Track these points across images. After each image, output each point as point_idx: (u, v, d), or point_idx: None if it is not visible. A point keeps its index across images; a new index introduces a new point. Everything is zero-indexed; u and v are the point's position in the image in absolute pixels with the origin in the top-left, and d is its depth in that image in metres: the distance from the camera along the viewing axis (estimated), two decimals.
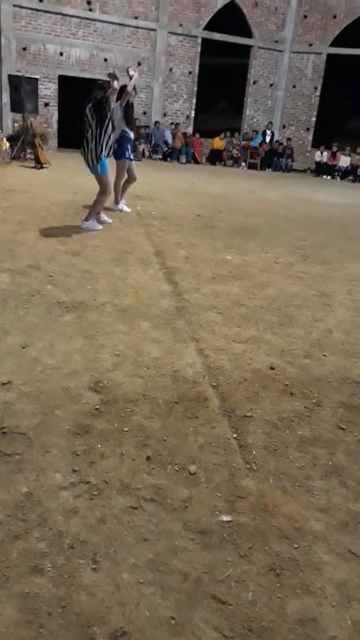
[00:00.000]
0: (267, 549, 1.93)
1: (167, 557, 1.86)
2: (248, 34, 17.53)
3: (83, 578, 1.74)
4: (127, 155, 7.05)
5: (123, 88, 6.59)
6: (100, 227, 6.34)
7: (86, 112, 5.87)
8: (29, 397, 2.71)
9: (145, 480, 2.22)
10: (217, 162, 17.43)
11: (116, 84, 5.93)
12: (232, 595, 1.73)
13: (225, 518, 2.05)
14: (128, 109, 6.90)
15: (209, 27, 16.72)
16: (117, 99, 6.52)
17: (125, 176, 7.35)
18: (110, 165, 6.36)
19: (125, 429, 2.53)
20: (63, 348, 3.27)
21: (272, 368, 3.29)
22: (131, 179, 7.46)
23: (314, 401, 2.96)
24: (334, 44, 17.55)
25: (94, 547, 1.87)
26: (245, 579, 1.80)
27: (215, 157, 17.51)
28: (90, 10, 15.01)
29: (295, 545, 1.95)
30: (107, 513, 2.02)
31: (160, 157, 16.59)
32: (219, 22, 16.63)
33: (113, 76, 6.00)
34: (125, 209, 7.53)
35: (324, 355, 3.55)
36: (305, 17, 17.73)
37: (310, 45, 17.90)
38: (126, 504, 2.08)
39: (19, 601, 1.64)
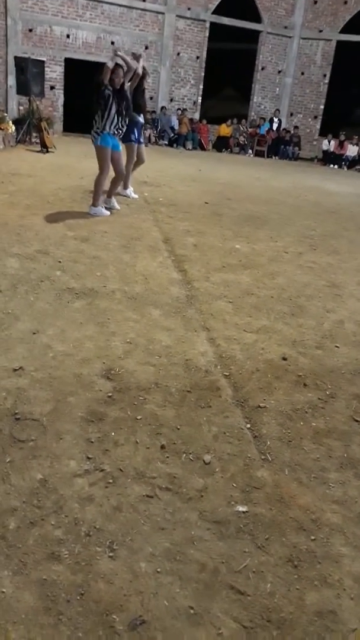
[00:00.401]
0: (284, 540, 1.92)
1: (184, 546, 1.85)
2: (257, 19, 17.30)
3: (100, 566, 1.73)
4: (133, 139, 6.98)
5: (115, 68, 6.35)
6: (108, 213, 6.28)
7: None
8: (42, 384, 2.69)
9: (160, 468, 2.21)
10: (224, 149, 17.31)
11: (109, 63, 5.77)
12: (250, 585, 1.72)
13: (241, 508, 2.04)
14: (137, 93, 6.81)
15: (217, 11, 16.50)
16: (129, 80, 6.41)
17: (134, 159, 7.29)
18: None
19: (139, 417, 2.52)
20: (74, 335, 3.25)
21: (284, 358, 3.27)
22: (139, 161, 7.40)
23: (327, 392, 2.94)
24: (344, 30, 17.32)
25: (110, 535, 1.86)
26: (263, 570, 1.79)
27: (221, 144, 17.38)
28: None
29: (313, 537, 1.94)
30: (122, 501, 2.01)
31: (167, 142, 16.47)
32: (227, 6, 16.43)
33: (114, 53, 5.91)
34: (133, 195, 7.47)
35: (337, 346, 3.52)
36: (316, 2, 17.49)
37: (320, 31, 17.67)
38: (142, 493, 2.06)
39: (37, 588, 1.63)
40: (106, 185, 6.36)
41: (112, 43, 15.39)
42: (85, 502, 1.99)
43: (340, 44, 17.56)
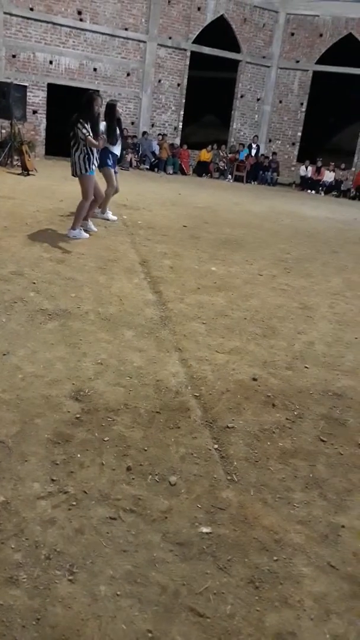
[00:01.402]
0: (247, 561, 1.91)
1: (145, 568, 1.83)
2: (236, 48, 17.78)
3: (59, 590, 1.71)
4: (109, 163, 7.10)
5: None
6: (87, 235, 6.32)
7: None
8: (9, 405, 2.68)
9: (125, 490, 2.20)
10: (204, 174, 17.58)
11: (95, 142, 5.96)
12: (210, 607, 1.71)
13: (205, 529, 2.04)
14: (110, 128, 6.91)
15: (198, 40, 16.93)
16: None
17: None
18: (99, 176, 6.38)
19: (106, 439, 2.51)
20: (45, 356, 3.24)
21: (254, 379, 3.29)
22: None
23: (295, 413, 2.97)
24: (320, 61, 17.88)
25: (71, 558, 1.84)
26: (224, 592, 1.78)
27: (202, 169, 17.66)
28: (81, 20, 15.11)
29: (275, 558, 1.94)
30: (85, 523, 1.99)
31: (148, 167, 16.67)
32: (208, 36, 16.87)
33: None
34: (111, 217, 7.53)
35: (306, 367, 3.57)
36: (293, 34, 18.06)
37: (297, 62, 18.22)
38: (105, 515, 2.05)
39: None
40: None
41: (95, 70, 15.67)
42: (47, 524, 1.97)
43: (317, 74, 18.10)
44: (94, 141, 5.86)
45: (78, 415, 2.66)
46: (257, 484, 2.34)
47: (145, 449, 2.48)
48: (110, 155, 7.11)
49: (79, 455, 2.37)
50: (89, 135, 5.82)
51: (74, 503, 2.09)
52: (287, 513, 2.18)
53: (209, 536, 2.01)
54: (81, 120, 5.83)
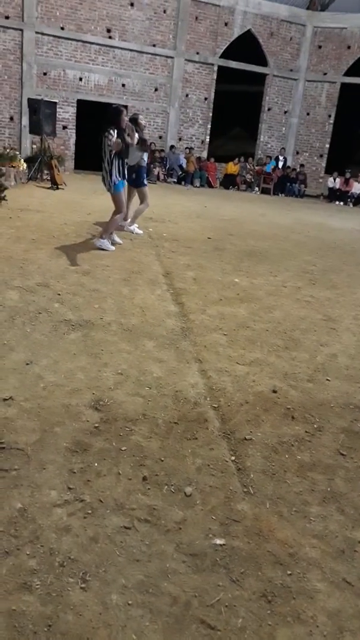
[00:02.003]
0: (260, 574, 1.90)
1: (157, 579, 1.84)
2: (263, 62, 17.87)
3: (71, 597, 1.73)
4: (145, 183, 7.50)
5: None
6: (113, 248, 6.41)
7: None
8: (30, 414, 2.73)
9: (140, 500, 2.21)
10: (231, 187, 17.63)
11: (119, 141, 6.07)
12: (221, 620, 1.70)
13: (218, 541, 2.03)
14: (141, 137, 7.14)
15: (225, 55, 17.08)
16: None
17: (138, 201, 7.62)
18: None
19: (123, 448, 2.53)
20: (66, 366, 3.29)
21: (274, 391, 3.28)
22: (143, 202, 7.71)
23: (315, 426, 2.94)
24: (348, 73, 17.81)
25: (84, 566, 1.85)
26: (236, 605, 1.77)
27: (229, 182, 17.72)
28: (110, 37, 15.44)
29: (289, 572, 1.92)
30: (99, 532, 2.01)
31: (175, 180, 16.82)
32: (235, 50, 17.00)
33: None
34: (137, 230, 7.63)
35: (328, 379, 3.53)
36: (320, 47, 18.06)
37: (325, 74, 18.19)
38: (119, 524, 2.06)
39: (5, 618, 1.63)
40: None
41: (123, 85, 15.96)
42: (62, 532, 2.00)
43: (344, 86, 18.04)
44: (118, 141, 5.96)
45: (97, 425, 2.69)
46: (274, 497, 2.32)
47: (162, 459, 2.49)
48: (144, 174, 7.40)
49: (96, 464, 2.40)
50: (114, 139, 5.93)
51: (90, 511, 2.11)
52: (303, 527, 2.16)
53: (223, 548, 2.00)
54: (110, 131, 5.95)
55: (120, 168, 6.24)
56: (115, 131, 5.98)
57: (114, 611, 1.70)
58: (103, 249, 6.25)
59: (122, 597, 1.75)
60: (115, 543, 1.97)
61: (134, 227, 7.65)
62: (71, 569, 1.83)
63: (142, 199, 7.57)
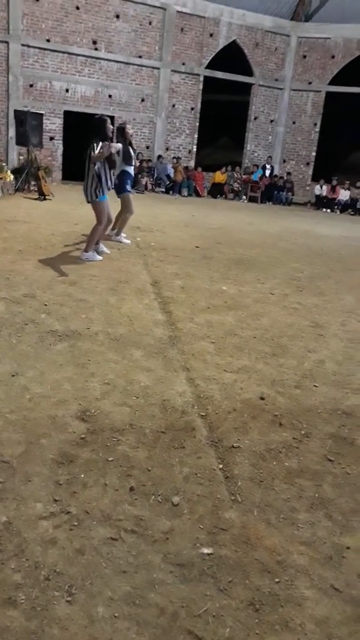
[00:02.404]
0: (248, 583, 1.89)
1: (144, 590, 1.82)
2: (249, 72, 18.06)
3: (57, 611, 1.70)
4: (128, 189, 7.35)
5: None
6: (100, 258, 6.40)
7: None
8: (15, 426, 2.70)
9: (127, 511, 2.19)
10: (219, 196, 17.72)
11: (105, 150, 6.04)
12: (208, 631, 1.69)
13: (206, 551, 2.02)
14: (125, 149, 7.13)
15: (210, 65, 17.24)
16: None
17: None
18: (112, 198, 6.50)
19: (110, 459, 2.51)
20: (53, 377, 3.27)
21: (262, 398, 3.28)
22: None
23: (302, 432, 2.94)
24: (333, 82, 18.05)
25: (70, 579, 1.83)
26: (224, 614, 1.75)
27: (216, 191, 17.81)
28: (96, 49, 15.53)
29: (277, 580, 1.91)
30: (86, 544, 1.99)
31: (163, 190, 16.88)
32: (220, 61, 17.17)
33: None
34: (125, 240, 7.63)
35: (315, 385, 3.54)
36: (305, 57, 18.29)
37: (310, 83, 18.41)
38: (106, 535, 2.04)
39: None
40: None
41: (110, 96, 16.04)
42: (47, 545, 1.97)
43: (330, 94, 18.27)
44: (97, 154, 5.93)
45: (83, 436, 2.67)
46: (261, 504, 2.31)
47: (149, 469, 2.48)
48: (129, 180, 7.33)
49: (82, 476, 2.38)
50: (96, 152, 5.92)
51: (76, 523, 2.09)
52: (291, 534, 2.15)
53: (210, 557, 1.99)
54: (94, 144, 5.96)
55: (109, 179, 6.24)
56: (100, 144, 5.97)
57: (100, 624, 1.68)
58: (90, 261, 6.24)
59: (109, 609, 1.73)
60: (102, 555, 1.95)
61: (122, 237, 7.66)
62: (57, 582, 1.81)
63: (125, 206, 7.53)
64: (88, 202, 6.32)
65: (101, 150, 5.93)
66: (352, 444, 2.86)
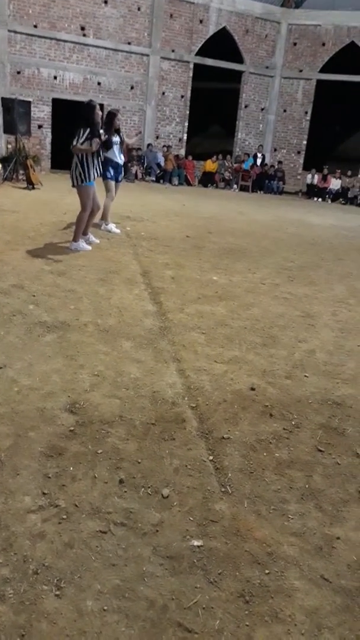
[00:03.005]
0: (238, 574, 1.88)
1: (134, 583, 1.81)
2: (239, 59, 17.89)
3: (45, 605, 1.69)
4: (109, 176, 7.25)
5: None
6: (89, 247, 6.34)
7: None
8: (3, 419, 2.67)
9: (117, 503, 2.18)
10: (209, 185, 17.63)
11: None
12: (198, 623, 1.68)
13: (196, 543, 2.01)
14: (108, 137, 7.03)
15: (201, 52, 17.06)
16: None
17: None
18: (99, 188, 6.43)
19: (100, 451, 2.49)
20: (41, 368, 3.24)
21: (252, 389, 3.27)
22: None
23: (293, 422, 2.93)
24: (323, 70, 17.94)
25: (59, 572, 1.82)
26: (214, 606, 1.75)
27: (207, 180, 17.71)
28: (84, 35, 15.30)
29: (267, 571, 1.91)
30: (75, 537, 1.98)
31: (153, 179, 16.76)
32: (210, 48, 16.99)
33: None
34: (114, 229, 7.57)
35: (306, 376, 3.53)
36: (295, 44, 18.15)
37: (300, 71, 18.29)
38: (95, 528, 2.03)
39: None
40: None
41: (99, 84, 15.84)
42: (36, 538, 1.96)
43: (320, 82, 18.16)
44: (82, 147, 5.85)
45: (72, 428, 2.65)
46: (252, 496, 2.31)
47: (139, 461, 2.46)
48: (110, 167, 7.21)
49: (71, 469, 2.36)
50: (77, 144, 5.82)
51: (65, 517, 2.07)
52: (281, 525, 2.15)
53: (200, 549, 1.98)
54: (81, 130, 5.86)
55: (97, 165, 6.14)
56: (87, 132, 5.87)
57: (89, 618, 1.67)
58: (79, 251, 6.18)
59: (98, 603, 1.72)
60: (91, 548, 1.94)
61: (111, 226, 7.59)
62: (45, 576, 1.80)
63: (106, 193, 7.44)
64: (72, 186, 6.21)
65: (88, 146, 5.85)
66: (343, 434, 2.86)
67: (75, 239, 6.28)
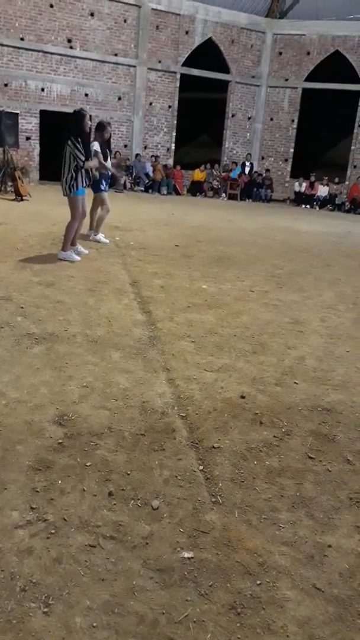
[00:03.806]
0: (229, 586, 1.86)
1: (123, 598, 1.78)
2: (225, 69, 18.06)
3: (33, 623, 1.66)
4: (103, 188, 7.28)
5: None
6: (78, 258, 6.32)
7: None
8: None
9: (106, 516, 2.15)
10: (198, 194, 17.70)
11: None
12: (189, 637, 1.66)
13: (186, 554, 1.98)
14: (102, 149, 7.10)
15: (187, 63, 17.20)
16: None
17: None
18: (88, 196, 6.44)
19: (88, 464, 2.46)
20: (29, 381, 3.21)
21: (242, 397, 3.25)
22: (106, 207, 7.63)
23: (283, 430, 2.92)
24: (309, 78, 18.14)
25: (47, 589, 1.78)
26: (205, 619, 1.72)
27: (196, 189, 17.79)
28: (71, 47, 15.38)
29: (258, 582, 1.88)
30: (63, 552, 1.94)
31: (142, 189, 16.80)
32: (197, 58, 17.14)
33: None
34: (103, 239, 7.56)
35: (296, 382, 3.53)
36: (280, 53, 18.36)
37: (286, 80, 18.49)
38: (84, 542, 2.00)
39: None
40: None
41: (86, 95, 15.90)
42: (24, 554, 1.92)
43: (306, 91, 18.36)
44: (90, 163, 5.94)
45: (60, 441, 2.62)
46: (242, 505, 2.29)
47: (128, 473, 2.44)
48: (103, 180, 7.26)
49: (60, 482, 2.33)
50: (82, 156, 5.89)
51: (53, 531, 2.04)
52: (272, 534, 2.13)
53: (191, 561, 1.96)
54: (72, 139, 5.88)
55: (80, 176, 6.15)
56: (80, 143, 5.91)
57: (77, 635, 1.63)
58: (68, 260, 6.17)
59: (87, 619, 1.69)
60: (80, 563, 1.91)
61: (100, 237, 7.58)
62: (33, 593, 1.76)
63: (101, 205, 7.48)
64: (64, 195, 6.25)
65: (97, 164, 5.98)
66: (333, 441, 2.86)
67: (63, 248, 6.27)
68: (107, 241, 7.59)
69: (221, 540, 2.07)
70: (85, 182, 6.28)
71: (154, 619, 1.71)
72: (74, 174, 6.01)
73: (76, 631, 1.65)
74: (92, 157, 6.49)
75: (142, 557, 1.96)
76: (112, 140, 7.79)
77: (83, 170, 6.08)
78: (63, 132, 6.11)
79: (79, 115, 6.01)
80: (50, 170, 15.17)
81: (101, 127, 7.17)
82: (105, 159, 7.14)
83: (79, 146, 5.91)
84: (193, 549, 2.01)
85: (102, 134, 7.14)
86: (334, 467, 2.62)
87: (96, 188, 7.27)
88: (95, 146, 6.87)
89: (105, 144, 7.18)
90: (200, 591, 1.83)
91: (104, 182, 7.31)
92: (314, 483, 2.48)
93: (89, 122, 6.15)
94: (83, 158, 5.95)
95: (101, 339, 3.97)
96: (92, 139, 6.92)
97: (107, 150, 7.29)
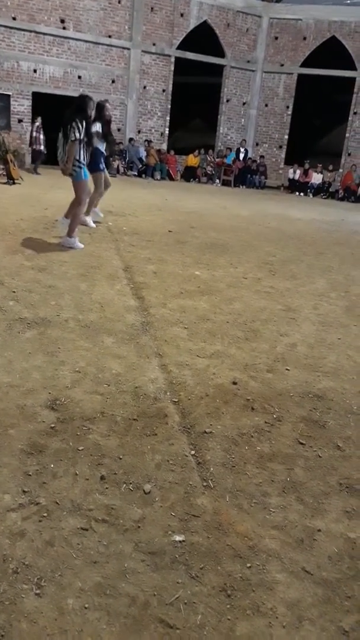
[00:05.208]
0: (219, 569, 1.88)
1: (115, 580, 1.80)
2: (221, 53, 17.85)
3: (25, 604, 1.67)
4: (101, 168, 7.26)
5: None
6: (82, 246, 6.17)
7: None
8: None
9: (98, 500, 2.16)
10: (192, 179, 17.60)
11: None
12: (180, 618, 1.68)
13: (178, 538, 2.00)
14: (102, 129, 7.06)
15: (182, 46, 16.99)
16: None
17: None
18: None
19: (81, 448, 2.47)
20: (21, 365, 3.20)
21: (234, 383, 3.27)
22: (106, 186, 7.61)
23: (274, 416, 2.94)
24: (305, 64, 17.98)
25: (39, 571, 1.80)
26: (195, 601, 1.75)
27: (189, 174, 17.68)
28: (64, 28, 15.13)
29: (248, 565, 1.91)
30: (55, 535, 1.96)
31: (135, 173, 16.68)
32: (192, 41, 16.93)
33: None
34: (91, 223, 7.48)
35: (287, 369, 3.55)
36: (276, 38, 18.17)
37: (282, 65, 18.32)
38: (76, 526, 2.01)
39: None
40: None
41: (79, 77, 15.69)
42: (16, 537, 1.93)
43: (301, 77, 18.22)
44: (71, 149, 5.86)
45: (53, 425, 2.63)
46: (233, 490, 2.31)
47: (120, 457, 2.45)
48: (102, 158, 7.21)
49: (52, 466, 2.33)
50: (78, 135, 5.81)
51: (45, 514, 2.05)
52: (263, 518, 2.15)
53: (182, 544, 1.98)
54: (77, 120, 5.80)
55: (86, 155, 6.11)
56: (84, 122, 5.85)
57: (69, 616, 1.65)
58: (71, 247, 6.08)
59: (79, 600, 1.71)
60: (72, 545, 1.92)
61: (89, 219, 7.50)
62: (25, 575, 1.78)
63: (96, 185, 7.41)
64: (69, 175, 6.11)
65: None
66: (324, 427, 2.88)
67: (70, 234, 6.16)
68: (94, 225, 7.50)
69: (212, 524, 2.09)
70: (84, 163, 6.16)
71: (145, 600, 1.73)
72: (81, 157, 5.93)
73: (68, 612, 1.66)
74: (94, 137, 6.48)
75: (133, 540, 1.98)
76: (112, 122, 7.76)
77: (84, 151, 6.00)
78: (66, 112, 6.00)
79: (83, 100, 5.96)
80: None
81: (100, 107, 7.08)
82: (108, 142, 7.10)
83: (80, 129, 5.82)
84: (184, 533, 2.03)
85: (102, 114, 7.07)
86: (324, 452, 2.65)
87: (93, 167, 7.13)
88: (97, 127, 6.85)
89: (107, 125, 7.12)
90: (191, 574, 1.85)
91: (102, 160, 7.25)
92: (304, 468, 2.51)
93: (92, 107, 6.10)
94: (78, 136, 5.82)
95: (93, 324, 3.96)
96: (91, 119, 6.84)
97: (109, 132, 7.24)
